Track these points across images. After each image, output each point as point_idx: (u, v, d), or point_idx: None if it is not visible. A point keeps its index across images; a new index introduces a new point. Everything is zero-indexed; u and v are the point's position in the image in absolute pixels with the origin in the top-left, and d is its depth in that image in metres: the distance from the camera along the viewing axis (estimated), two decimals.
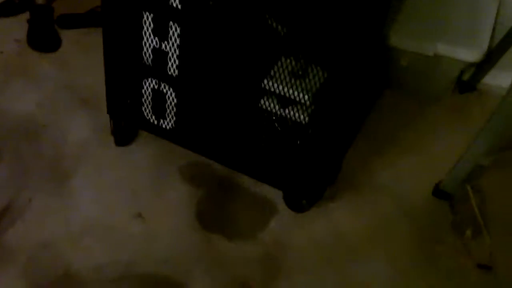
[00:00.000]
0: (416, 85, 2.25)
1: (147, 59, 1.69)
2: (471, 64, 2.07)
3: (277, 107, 1.62)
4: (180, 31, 1.58)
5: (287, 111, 1.63)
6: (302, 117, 1.62)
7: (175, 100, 1.75)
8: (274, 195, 1.91)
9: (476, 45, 1.97)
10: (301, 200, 1.84)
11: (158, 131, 1.87)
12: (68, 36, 2.44)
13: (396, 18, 1.99)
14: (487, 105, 2.27)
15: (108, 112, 1.93)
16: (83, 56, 2.36)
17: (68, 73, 2.29)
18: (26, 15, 2.46)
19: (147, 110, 1.82)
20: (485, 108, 2.29)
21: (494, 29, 2.08)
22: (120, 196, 1.91)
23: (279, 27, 1.49)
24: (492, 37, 2.04)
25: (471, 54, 1.97)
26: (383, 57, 2.11)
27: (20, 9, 2.52)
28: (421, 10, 2.06)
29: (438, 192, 1.95)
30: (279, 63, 1.58)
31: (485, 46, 1.97)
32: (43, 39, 2.38)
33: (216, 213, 1.89)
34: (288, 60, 1.57)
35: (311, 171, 1.73)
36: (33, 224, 1.82)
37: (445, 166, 1.99)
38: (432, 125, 2.24)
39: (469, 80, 2.29)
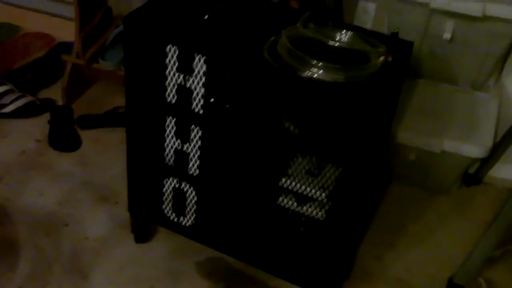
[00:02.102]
0: (423, 178, 2.32)
1: (169, 159, 1.77)
2: (475, 159, 2.15)
3: (294, 204, 1.69)
4: (202, 133, 1.66)
5: (304, 208, 1.69)
6: (319, 213, 1.68)
7: (195, 198, 1.81)
8: None
9: (482, 141, 2.05)
10: None
11: (177, 228, 1.92)
12: (87, 135, 2.53)
13: (402, 115, 2.08)
14: (493, 197, 2.34)
15: (129, 211, 1.99)
16: (102, 155, 2.44)
17: (87, 171, 2.36)
18: (47, 116, 2.55)
19: (168, 208, 1.89)
20: (491, 200, 2.36)
21: (497, 124, 2.16)
22: None
23: (293, 128, 1.56)
24: (495, 133, 2.13)
25: (477, 151, 2.05)
26: (391, 152, 2.18)
27: (41, 110, 2.61)
28: (425, 107, 2.15)
29: (452, 285, 1.98)
30: (296, 163, 1.65)
31: (489, 142, 2.06)
32: (63, 139, 2.47)
33: None
34: (304, 159, 1.65)
35: (330, 267, 1.77)
36: None
37: (455, 258, 2.05)
38: (440, 217, 2.30)
39: (475, 173, 2.36)
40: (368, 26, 2.12)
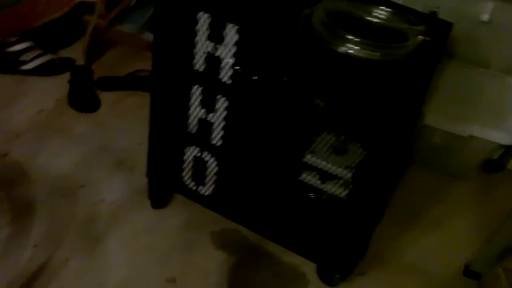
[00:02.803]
0: (444, 162, 2.28)
1: (192, 128, 1.74)
2: (501, 145, 2.11)
3: (318, 182, 1.66)
4: (228, 104, 1.63)
5: (326, 185, 1.66)
6: (341, 192, 1.65)
7: (216, 169, 1.79)
8: (306, 266, 1.94)
9: (511, 128, 2.01)
10: (335, 274, 1.86)
11: (195, 197, 1.90)
12: (106, 97, 2.50)
13: (431, 96, 2.04)
14: None
15: (147, 176, 1.96)
16: (120, 118, 2.41)
17: (105, 134, 2.34)
18: (66, 76, 2.52)
19: (187, 176, 1.86)
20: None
21: None
22: (154, 260, 1.93)
23: (322, 103, 1.53)
24: None
25: (506, 138, 2.01)
26: (415, 133, 2.15)
27: (61, 69, 2.58)
28: (455, 90, 2.11)
29: (469, 272, 1.96)
30: (320, 139, 1.62)
31: None
32: (82, 99, 2.44)
33: (248, 283, 1.91)
34: (329, 136, 1.62)
35: (346, 246, 1.75)
36: (69, 284, 1.84)
37: (472, 245, 2.02)
38: (458, 202, 2.27)
39: (498, 159, 2.33)
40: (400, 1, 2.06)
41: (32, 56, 2.55)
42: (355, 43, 1.39)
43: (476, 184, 2.34)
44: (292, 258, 1.95)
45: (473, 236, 2.13)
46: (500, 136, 2.02)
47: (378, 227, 2.07)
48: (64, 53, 2.70)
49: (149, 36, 2.47)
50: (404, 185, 2.28)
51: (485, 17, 1.93)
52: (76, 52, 2.67)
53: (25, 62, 2.53)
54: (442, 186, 2.33)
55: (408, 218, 2.18)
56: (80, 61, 2.64)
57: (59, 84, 2.52)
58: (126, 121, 2.40)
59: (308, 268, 1.94)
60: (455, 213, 2.23)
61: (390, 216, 2.15)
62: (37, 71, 2.55)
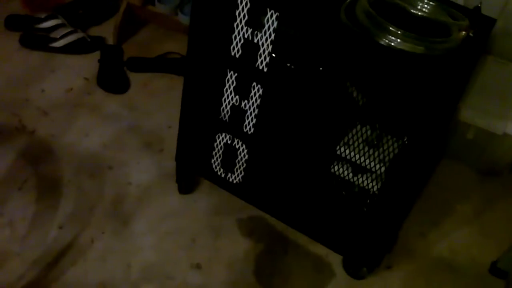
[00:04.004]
0: (476, 158, 2.25)
1: (224, 115, 1.72)
2: None
3: (350, 174, 1.64)
4: (262, 92, 1.61)
5: (358, 178, 1.64)
6: (373, 185, 1.63)
7: (246, 157, 1.77)
8: (332, 257, 1.92)
9: None
10: (362, 267, 1.84)
11: (224, 184, 1.89)
12: (136, 79, 2.48)
13: (468, 92, 2.00)
14: None
15: (176, 160, 1.95)
16: (149, 100, 2.40)
17: (134, 115, 2.32)
18: (96, 54, 2.51)
19: (216, 163, 1.85)
20: None
21: None
22: (180, 245, 1.93)
23: (359, 95, 1.51)
24: None
25: None
26: (449, 129, 2.12)
27: (91, 47, 2.57)
28: (491, 86, 2.07)
29: (495, 270, 1.94)
30: (354, 131, 1.60)
31: None
32: (112, 80, 2.43)
33: (273, 272, 1.90)
34: (364, 129, 1.59)
35: (374, 239, 1.73)
36: (94, 265, 1.84)
37: (501, 243, 1.99)
38: (489, 199, 2.25)
39: None
40: None
41: (63, 33, 2.54)
42: (399, 36, 1.35)
43: (508, 181, 2.30)
44: (319, 248, 1.94)
45: (502, 234, 2.10)
46: None
47: (407, 220, 2.05)
48: (95, 31, 2.69)
49: (182, 18, 2.44)
50: (435, 179, 2.26)
51: None
52: (107, 31, 2.66)
53: (56, 39, 2.52)
54: (473, 182, 2.30)
55: (438, 212, 2.16)
56: (111, 40, 2.62)
57: (89, 63, 2.51)
58: (155, 103, 2.38)
59: (334, 258, 1.92)
60: (485, 210, 2.20)
61: (419, 210, 2.13)
62: (67, 49, 2.54)
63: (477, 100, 2.02)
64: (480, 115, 2.01)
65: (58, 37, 2.53)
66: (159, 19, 2.65)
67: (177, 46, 2.57)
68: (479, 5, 1.54)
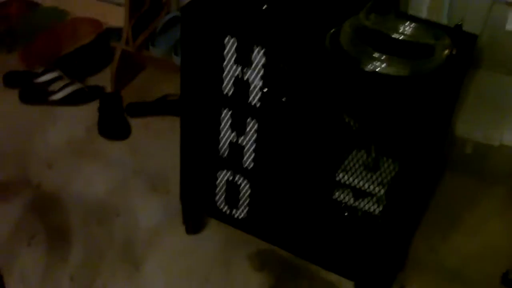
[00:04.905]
0: (479, 170, 2.27)
1: (223, 152, 1.75)
2: None
3: (351, 199, 1.66)
4: (258, 126, 1.64)
5: (360, 202, 1.66)
6: (375, 208, 1.64)
7: (249, 191, 1.79)
8: (344, 282, 1.93)
9: None
10: None
11: (229, 220, 1.91)
12: (137, 123, 2.52)
13: (461, 107, 2.02)
14: None
15: (181, 200, 1.97)
16: (152, 143, 2.43)
17: (138, 159, 2.36)
18: (96, 103, 2.55)
19: (220, 200, 1.87)
20: None
21: None
22: (193, 284, 1.94)
23: (352, 121, 1.53)
24: None
25: None
26: (447, 143, 2.14)
27: (90, 97, 2.61)
28: (483, 99, 2.09)
29: (507, 281, 1.94)
30: (351, 157, 1.62)
31: None
32: (113, 127, 2.46)
33: None
34: (360, 154, 1.62)
35: (383, 261, 1.74)
36: None
37: (511, 252, 1.99)
38: (496, 207, 2.26)
39: None
40: (423, 14, 2.06)
41: (61, 86, 2.58)
42: (383, 61, 1.39)
43: None
44: (330, 275, 1.95)
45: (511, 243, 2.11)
46: None
47: (417, 236, 2.06)
48: (93, 81, 2.73)
49: (177, 60, 2.48)
50: (440, 193, 2.27)
51: (510, 27, 1.92)
52: (104, 79, 2.70)
53: (54, 93, 2.57)
54: (479, 192, 2.30)
55: (446, 225, 2.17)
56: (109, 87, 2.66)
57: (89, 112, 2.55)
58: (158, 146, 2.42)
59: (346, 284, 1.93)
60: (492, 218, 2.21)
61: (428, 225, 2.14)
62: (66, 101, 2.58)
63: (471, 114, 2.04)
64: (476, 129, 2.03)
65: (56, 90, 2.57)
66: (155, 62, 2.70)
67: (175, 87, 2.57)
68: (460, 23, 1.57)
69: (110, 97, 2.56)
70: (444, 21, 1.93)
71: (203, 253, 2.02)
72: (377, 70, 1.39)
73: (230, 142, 1.72)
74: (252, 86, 1.57)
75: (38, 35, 2.85)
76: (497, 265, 2.01)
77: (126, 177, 2.28)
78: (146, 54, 2.60)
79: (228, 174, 1.79)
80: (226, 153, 1.75)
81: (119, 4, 2.71)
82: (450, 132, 2.05)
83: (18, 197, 2.17)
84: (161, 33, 2.59)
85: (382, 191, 1.59)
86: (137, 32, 2.56)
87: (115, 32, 2.75)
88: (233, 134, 1.70)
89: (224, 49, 1.55)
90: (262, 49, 1.50)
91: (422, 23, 1.55)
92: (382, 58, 1.39)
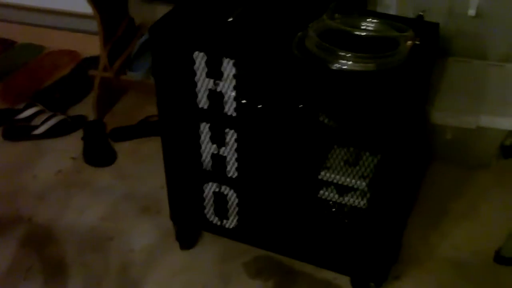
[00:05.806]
0: (462, 155, 2.31)
1: (206, 164, 1.77)
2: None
3: (336, 196, 1.69)
4: (237, 136, 1.67)
5: (345, 198, 1.69)
6: (361, 202, 1.67)
7: (236, 200, 1.82)
8: (340, 279, 1.96)
9: None
10: (369, 283, 1.87)
11: (221, 231, 1.93)
12: (122, 147, 2.55)
13: (435, 95, 2.06)
14: None
15: (171, 219, 2.00)
16: (139, 165, 2.46)
17: (126, 183, 2.38)
18: (79, 133, 2.58)
19: (210, 212, 1.89)
20: None
21: None
22: None
23: (329, 121, 1.56)
24: None
25: None
26: (427, 132, 2.17)
27: (73, 127, 2.63)
28: (457, 85, 2.13)
29: (499, 258, 1.97)
30: (333, 154, 1.65)
31: None
32: (98, 154, 2.49)
33: None
34: (341, 150, 1.65)
35: (376, 253, 1.77)
36: None
37: (501, 232, 2.03)
38: (482, 191, 2.29)
39: (510, 145, 2.34)
40: (392, 11, 2.10)
41: (43, 119, 2.61)
42: (349, 58, 1.42)
43: (496, 171, 2.36)
44: (326, 273, 1.97)
45: (501, 222, 2.14)
46: (507, 123, 2.04)
47: (408, 227, 2.09)
48: (75, 110, 2.76)
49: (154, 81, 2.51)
50: (427, 182, 2.31)
51: (472, 12, 1.97)
52: (86, 108, 2.74)
53: (37, 127, 2.59)
54: (465, 178, 2.34)
55: (436, 213, 2.20)
56: (92, 116, 2.69)
57: (74, 142, 2.58)
58: (145, 167, 2.44)
59: (343, 280, 1.95)
60: (481, 202, 2.25)
61: (418, 214, 2.18)
62: (50, 133, 2.60)
63: (446, 101, 2.08)
64: (451, 114, 2.07)
65: (39, 124, 2.60)
66: (135, 85, 2.73)
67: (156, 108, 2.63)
68: (421, 13, 1.60)
69: (93, 125, 2.59)
70: (410, 14, 1.97)
71: (200, 267, 2.04)
72: (344, 68, 1.42)
73: (212, 154, 1.74)
74: (226, 97, 1.60)
75: (16, 72, 2.88)
76: (489, 246, 2.04)
77: (117, 202, 2.30)
78: (125, 78, 2.63)
79: (214, 186, 1.82)
80: (210, 165, 1.77)
81: (93, 33, 2.73)
82: (429, 122, 2.08)
83: (10, 232, 2.18)
84: (138, 56, 2.62)
85: (364, 184, 1.62)
86: (114, 57, 2.60)
87: (92, 61, 2.79)
88: (214, 146, 1.72)
89: (194, 64, 1.57)
90: (231, 60, 1.53)
91: (385, 18, 1.58)
92: (347, 56, 1.42)
